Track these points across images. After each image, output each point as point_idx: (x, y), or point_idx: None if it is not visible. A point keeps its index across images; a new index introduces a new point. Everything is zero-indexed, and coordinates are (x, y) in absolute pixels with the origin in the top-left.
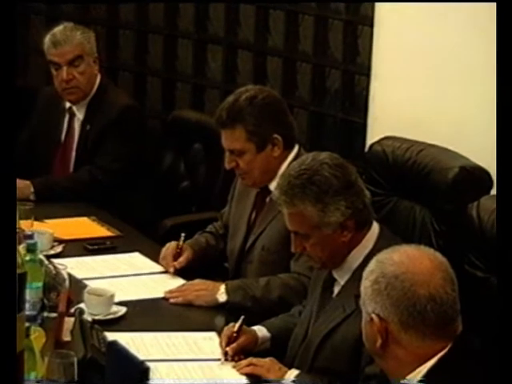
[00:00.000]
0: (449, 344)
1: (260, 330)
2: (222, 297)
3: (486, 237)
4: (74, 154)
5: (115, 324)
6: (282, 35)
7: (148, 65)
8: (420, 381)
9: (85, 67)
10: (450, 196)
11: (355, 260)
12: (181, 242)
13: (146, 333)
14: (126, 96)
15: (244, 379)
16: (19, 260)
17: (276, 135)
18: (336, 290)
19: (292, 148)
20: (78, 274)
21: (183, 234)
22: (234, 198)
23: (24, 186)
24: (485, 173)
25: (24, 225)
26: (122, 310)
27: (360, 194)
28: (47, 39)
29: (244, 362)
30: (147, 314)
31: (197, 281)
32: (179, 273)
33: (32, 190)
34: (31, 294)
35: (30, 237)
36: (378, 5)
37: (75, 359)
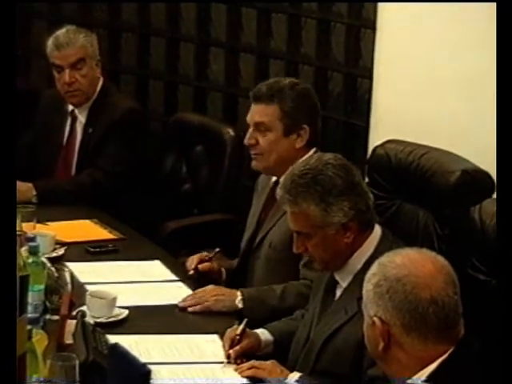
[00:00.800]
0: (451, 347)
1: (263, 334)
2: (240, 303)
3: (488, 240)
4: (76, 156)
5: (117, 327)
6: (285, 38)
7: (150, 67)
8: (424, 380)
9: (87, 70)
10: (452, 199)
11: (357, 262)
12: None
13: (148, 335)
14: (129, 99)
15: (245, 381)
16: (21, 262)
17: (305, 126)
18: (338, 292)
19: (311, 148)
20: (82, 278)
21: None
22: (254, 198)
23: (26, 188)
24: (487, 176)
25: (26, 227)
26: (124, 312)
27: (363, 195)
28: (50, 42)
29: (246, 365)
30: (149, 317)
31: (210, 287)
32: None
33: (34, 192)
34: (33, 296)
35: (32, 239)
36: (380, 8)
37: (77, 362)
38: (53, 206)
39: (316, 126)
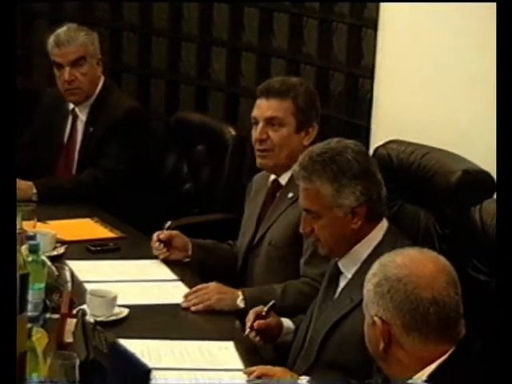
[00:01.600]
0: (451, 347)
1: (285, 321)
2: (241, 303)
3: (488, 240)
4: (76, 155)
5: (117, 326)
6: (286, 38)
7: (152, 67)
8: (425, 381)
9: (87, 68)
10: (453, 199)
11: (363, 252)
12: (166, 226)
13: (160, 341)
14: (130, 98)
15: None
16: (21, 261)
17: (315, 124)
18: (342, 283)
19: None
20: (82, 277)
21: (169, 222)
22: (247, 202)
23: (26, 186)
24: (488, 176)
25: (26, 226)
26: (125, 311)
27: (377, 185)
28: (51, 40)
29: (255, 372)
30: (149, 316)
31: (213, 284)
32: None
33: (34, 191)
34: (33, 295)
35: (33, 238)
36: (382, 8)
37: (77, 361)
38: (53, 204)
39: (319, 126)
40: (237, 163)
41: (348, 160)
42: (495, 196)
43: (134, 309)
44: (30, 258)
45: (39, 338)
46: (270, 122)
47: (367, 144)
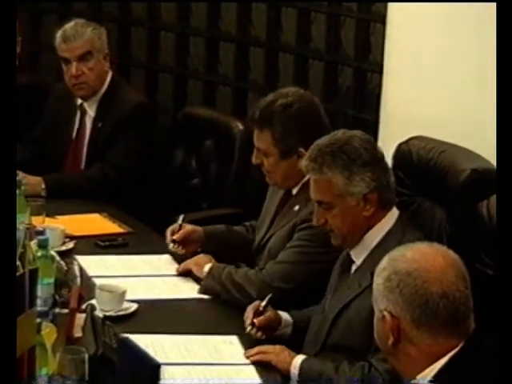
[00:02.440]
0: (461, 342)
1: (283, 314)
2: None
3: (496, 235)
4: (85, 150)
5: (126, 321)
6: (294, 33)
7: (160, 62)
8: (431, 381)
9: (94, 63)
10: (461, 197)
11: (373, 239)
12: (180, 220)
13: (165, 335)
14: (138, 93)
15: (257, 380)
16: (30, 256)
17: (301, 149)
18: (353, 270)
19: None
20: (91, 272)
21: (182, 215)
22: (269, 191)
23: (35, 182)
24: (495, 175)
25: (35, 221)
26: (134, 306)
27: (386, 171)
28: (58, 35)
29: (254, 350)
30: (158, 311)
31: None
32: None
33: (43, 186)
34: (42, 290)
35: (42, 233)
36: (390, 3)
37: (86, 355)
38: (62, 199)
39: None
40: (245, 158)
41: (356, 148)
42: None
43: (143, 304)
44: (39, 253)
45: (48, 332)
46: (260, 150)
47: (375, 139)
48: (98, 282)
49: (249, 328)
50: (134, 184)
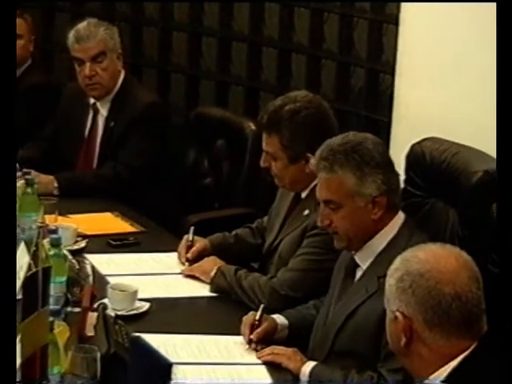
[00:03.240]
0: (473, 343)
1: (278, 318)
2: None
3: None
4: (97, 150)
5: (138, 320)
6: (307, 33)
7: (172, 62)
8: (443, 381)
9: (108, 63)
10: (474, 199)
11: (379, 244)
12: (190, 236)
13: (177, 335)
14: (150, 92)
15: (268, 380)
16: (43, 254)
17: (309, 154)
18: (358, 275)
19: None
20: (103, 271)
21: (192, 227)
22: (279, 193)
23: (48, 181)
24: None
25: (48, 219)
26: (146, 305)
27: (396, 175)
28: (71, 35)
29: (266, 351)
30: (170, 310)
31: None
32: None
33: (56, 185)
34: (55, 288)
35: (54, 231)
36: (403, 3)
37: (98, 354)
38: (74, 198)
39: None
40: (257, 158)
41: (369, 150)
42: None
43: (155, 302)
44: (51, 252)
45: (61, 331)
46: (268, 154)
47: (388, 140)
48: (110, 280)
49: (247, 346)
50: (146, 183)
